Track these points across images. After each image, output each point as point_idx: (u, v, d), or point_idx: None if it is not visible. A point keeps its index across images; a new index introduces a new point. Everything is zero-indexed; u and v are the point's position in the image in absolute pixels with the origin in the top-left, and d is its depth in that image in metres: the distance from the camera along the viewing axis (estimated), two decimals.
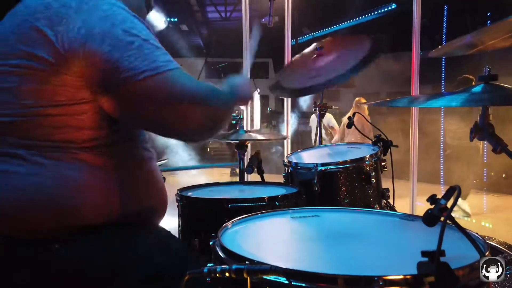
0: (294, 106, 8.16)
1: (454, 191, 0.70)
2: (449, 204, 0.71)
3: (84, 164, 0.90)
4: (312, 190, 1.69)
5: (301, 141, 8.44)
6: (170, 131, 0.95)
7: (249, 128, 3.82)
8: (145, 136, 1.06)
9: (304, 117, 8.33)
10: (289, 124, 3.96)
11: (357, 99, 5.82)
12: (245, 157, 2.23)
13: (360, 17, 10.14)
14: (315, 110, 2.34)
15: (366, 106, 5.73)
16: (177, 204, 1.55)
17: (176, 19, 10.41)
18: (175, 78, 0.88)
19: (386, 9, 9.59)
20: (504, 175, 6.22)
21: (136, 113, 0.91)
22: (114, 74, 0.83)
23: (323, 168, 1.70)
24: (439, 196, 0.72)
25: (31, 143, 0.88)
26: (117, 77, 0.83)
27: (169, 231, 1.08)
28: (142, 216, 1.00)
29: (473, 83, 4.45)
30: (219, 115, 0.98)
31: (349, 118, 2.02)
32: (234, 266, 0.67)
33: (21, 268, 0.87)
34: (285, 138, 3.59)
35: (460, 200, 4.88)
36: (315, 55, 2.11)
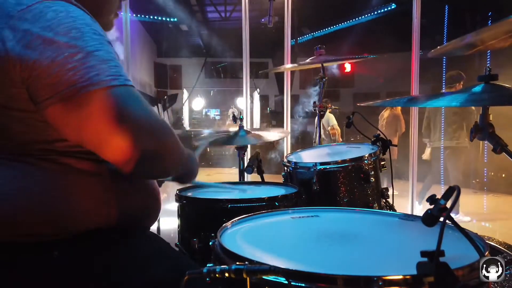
0: (294, 106, 8.16)
1: (453, 191, 0.70)
2: (448, 204, 0.71)
3: (70, 168, 0.87)
4: (312, 190, 1.69)
5: (301, 142, 8.45)
6: (111, 156, 0.80)
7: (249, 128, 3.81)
8: None
9: (304, 117, 8.32)
10: (288, 124, 3.96)
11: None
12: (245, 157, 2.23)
13: (360, 17, 10.15)
14: (315, 110, 2.34)
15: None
16: (177, 204, 1.55)
17: (176, 19, 10.40)
18: (119, 96, 0.78)
19: (386, 9, 9.60)
20: (504, 175, 6.22)
21: (77, 132, 0.81)
22: (54, 88, 0.78)
23: (322, 167, 1.70)
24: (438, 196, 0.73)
25: (13, 148, 0.86)
26: (56, 92, 0.77)
27: (160, 236, 1.06)
28: (136, 219, 0.98)
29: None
30: (164, 156, 0.83)
31: (348, 117, 2.02)
32: (233, 266, 0.67)
33: (16, 275, 0.84)
34: (287, 134, 3.51)
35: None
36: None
